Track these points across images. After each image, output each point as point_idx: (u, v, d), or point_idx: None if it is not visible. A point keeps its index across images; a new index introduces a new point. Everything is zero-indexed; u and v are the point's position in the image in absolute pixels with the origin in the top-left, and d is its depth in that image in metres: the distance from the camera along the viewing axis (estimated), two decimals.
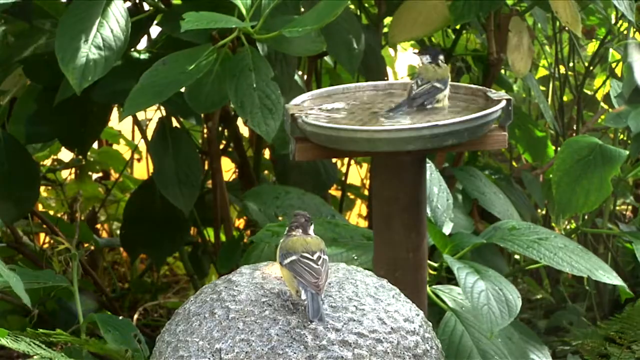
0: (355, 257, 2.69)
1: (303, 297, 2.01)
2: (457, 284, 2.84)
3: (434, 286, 2.75)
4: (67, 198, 4.06)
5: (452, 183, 3.34)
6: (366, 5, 3.60)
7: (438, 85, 2.50)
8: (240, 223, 3.97)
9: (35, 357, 2.29)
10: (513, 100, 2.44)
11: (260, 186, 3.39)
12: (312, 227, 2.13)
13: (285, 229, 2.13)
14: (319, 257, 2.05)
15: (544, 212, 3.83)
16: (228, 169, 3.85)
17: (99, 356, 3.08)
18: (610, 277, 2.68)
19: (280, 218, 3.10)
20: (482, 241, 2.74)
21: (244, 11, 2.74)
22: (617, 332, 2.50)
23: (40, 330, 2.31)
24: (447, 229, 2.77)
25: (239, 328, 2.01)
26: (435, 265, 2.77)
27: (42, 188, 3.83)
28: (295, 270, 2.03)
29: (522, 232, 2.74)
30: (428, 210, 2.76)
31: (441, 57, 2.54)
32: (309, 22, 2.66)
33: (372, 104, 2.56)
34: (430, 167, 2.83)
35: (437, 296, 2.73)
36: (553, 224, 3.73)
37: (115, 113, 3.60)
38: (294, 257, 2.05)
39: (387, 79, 3.60)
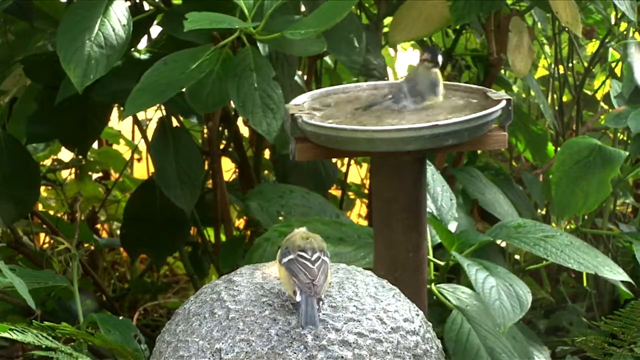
0: (363, 255, 2.68)
1: (298, 299, 1.98)
2: (459, 284, 2.84)
3: (438, 285, 2.75)
4: (67, 198, 4.06)
5: (452, 183, 3.34)
6: (366, 5, 3.60)
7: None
8: (240, 223, 3.97)
9: (38, 352, 2.29)
10: (513, 100, 2.44)
11: (263, 185, 3.38)
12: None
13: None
14: (318, 258, 2.01)
15: (544, 212, 3.83)
16: (228, 169, 3.85)
17: (99, 355, 3.08)
18: (617, 274, 2.68)
19: (281, 218, 3.09)
20: (489, 239, 2.74)
21: (246, 12, 2.74)
22: (620, 328, 2.50)
23: (46, 323, 2.31)
24: (452, 227, 2.78)
25: (239, 328, 2.01)
26: (442, 263, 2.77)
27: (42, 188, 3.83)
28: (291, 270, 2.00)
29: (528, 229, 2.74)
30: (434, 210, 2.76)
31: (429, 57, 2.52)
32: (312, 25, 2.66)
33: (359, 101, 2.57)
34: (431, 168, 2.84)
35: (442, 295, 2.73)
36: (553, 224, 3.73)
37: (115, 113, 3.61)
38: (291, 256, 2.01)
39: (387, 79, 3.60)
